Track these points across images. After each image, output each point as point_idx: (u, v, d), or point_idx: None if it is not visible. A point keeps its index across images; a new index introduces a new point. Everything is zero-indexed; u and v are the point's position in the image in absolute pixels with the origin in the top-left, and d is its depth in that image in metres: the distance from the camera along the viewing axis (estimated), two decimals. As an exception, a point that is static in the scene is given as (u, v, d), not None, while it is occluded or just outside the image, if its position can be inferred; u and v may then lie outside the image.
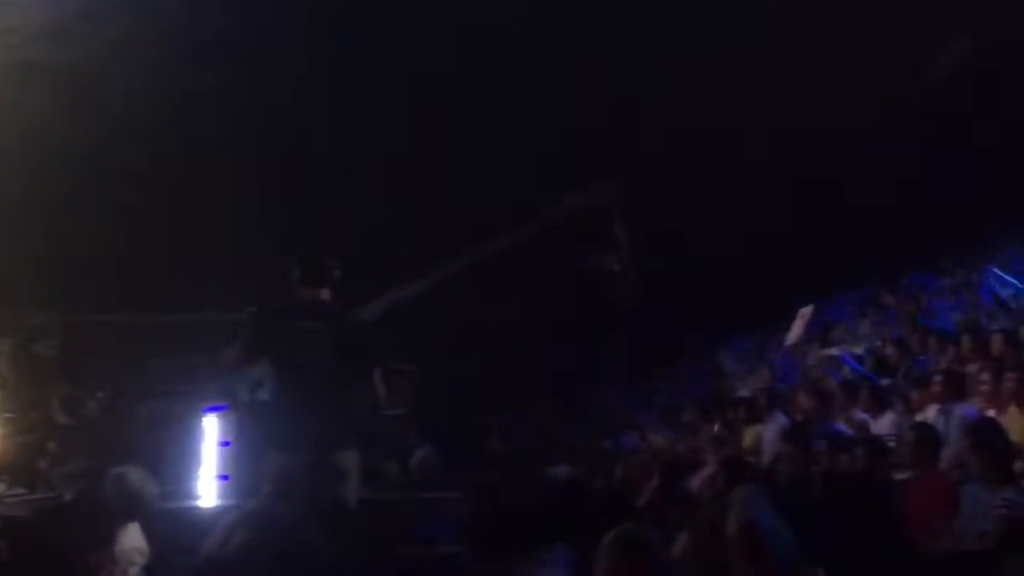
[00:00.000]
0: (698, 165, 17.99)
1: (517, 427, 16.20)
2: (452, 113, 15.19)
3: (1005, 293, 13.85)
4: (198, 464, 9.89)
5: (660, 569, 3.64)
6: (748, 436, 12.08)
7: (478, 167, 15.69)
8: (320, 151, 15.45)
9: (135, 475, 6.64)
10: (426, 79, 15.22)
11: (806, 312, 14.58)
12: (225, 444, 9.83)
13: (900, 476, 8.38)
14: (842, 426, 10.70)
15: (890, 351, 13.29)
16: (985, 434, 7.66)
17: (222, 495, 9.55)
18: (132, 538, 6.62)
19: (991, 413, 9.11)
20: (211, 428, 10.02)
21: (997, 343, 10.56)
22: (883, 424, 10.26)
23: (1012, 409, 8.84)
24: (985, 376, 9.39)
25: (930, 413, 9.73)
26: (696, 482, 10.71)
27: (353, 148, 15.36)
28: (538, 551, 3.93)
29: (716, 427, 12.82)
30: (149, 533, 6.69)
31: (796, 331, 14.82)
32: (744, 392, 14.38)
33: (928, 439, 8.24)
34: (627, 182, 11.20)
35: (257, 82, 14.42)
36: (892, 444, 9.22)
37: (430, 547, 6.70)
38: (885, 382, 11.62)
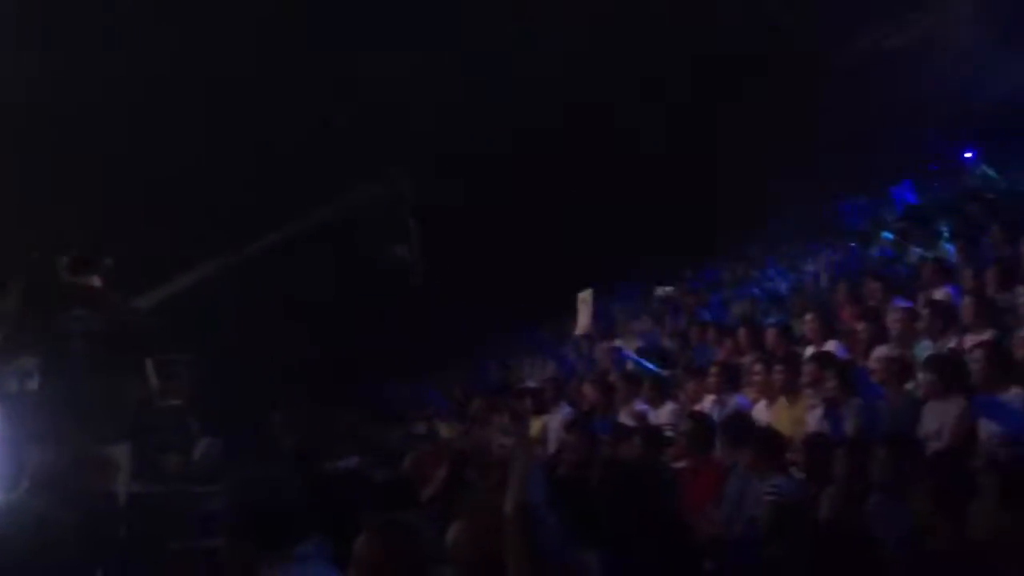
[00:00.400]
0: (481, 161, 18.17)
1: (304, 418, 15.98)
2: (239, 100, 14.87)
3: (781, 287, 14.40)
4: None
5: (420, 556, 3.63)
6: (535, 426, 12.24)
7: (265, 156, 15.41)
8: (101, 142, 14.90)
9: None
10: (211, 65, 14.85)
11: (586, 296, 14.79)
12: (-11, 437, 9.35)
13: (678, 465, 8.61)
14: (624, 416, 10.95)
15: (670, 343, 13.65)
16: (736, 429, 7.97)
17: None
18: None
19: (762, 404, 9.44)
20: (-25, 420, 9.51)
21: (771, 336, 10.94)
22: (663, 414, 10.51)
23: (781, 400, 9.17)
24: (758, 367, 9.71)
25: (706, 403, 10.04)
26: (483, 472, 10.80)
27: (137, 138, 14.89)
28: (296, 545, 3.85)
29: (504, 418, 12.93)
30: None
31: (584, 319, 15.04)
32: (532, 383, 14.53)
33: (702, 429, 8.49)
34: (420, 173, 11.18)
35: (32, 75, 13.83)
36: (671, 434, 9.44)
37: (203, 542, 6.55)
38: (666, 374, 11.90)
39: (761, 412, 9.41)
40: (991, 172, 17.18)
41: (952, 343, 8.86)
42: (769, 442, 7.67)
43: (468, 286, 18.36)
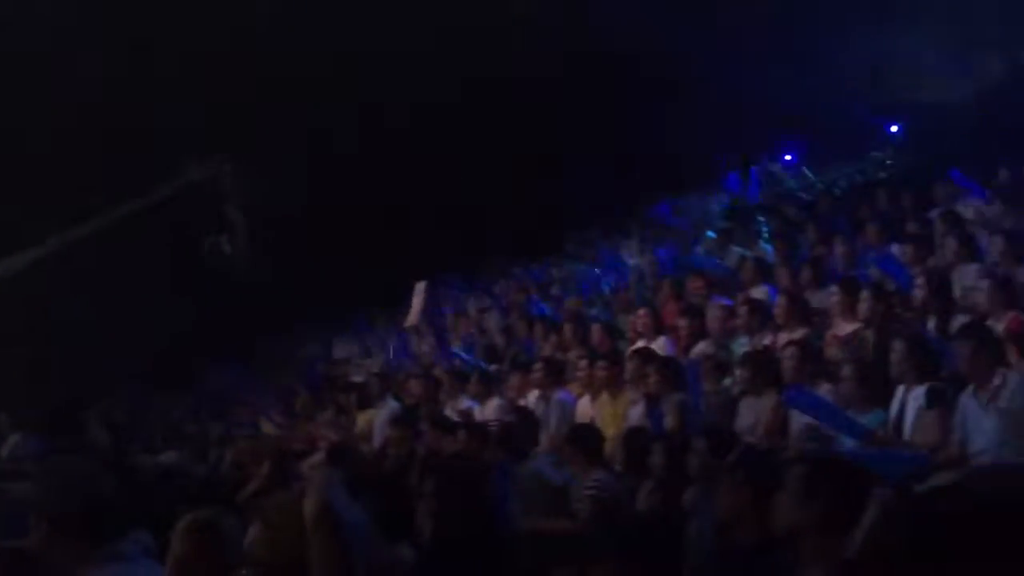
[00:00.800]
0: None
1: (123, 412, 15.57)
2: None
3: (605, 285, 14.58)
4: None
5: (227, 555, 3.57)
6: (361, 421, 12.18)
7: (77, 141, 15.01)
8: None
9: None
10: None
11: (421, 288, 14.74)
12: None
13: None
14: (450, 412, 10.94)
15: (498, 338, 13.71)
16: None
17: None
18: None
19: (586, 399, 9.55)
20: None
21: (596, 332, 11.08)
22: (489, 410, 10.54)
23: (604, 395, 9.29)
24: (582, 363, 9.81)
25: (531, 399, 10.11)
26: (306, 468, 10.67)
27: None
28: (114, 542, 3.75)
29: (329, 412, 12.84)
30: None
31: (415, 310, 14.98)
32: (358, 377, 14.44)
33: (527, 423, 8.55)
34: (241, 161, 10.97)
35: None
36: (495, 429, 9.45)
37: (11, 540, 6.28)
38: (493, 368, 11.95)
39: (585, 407, 9.53)
40: (809, 174, 17.78)
41: (767, 340, 9.11)
42: (588, 438, 7.77)
43: (295, 279, 18.24)
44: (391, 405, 11.77)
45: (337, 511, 3.25)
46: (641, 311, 10.89)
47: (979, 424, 6.55)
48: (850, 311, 8.82)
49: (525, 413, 9.14)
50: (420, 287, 14.47)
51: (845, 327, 8.80)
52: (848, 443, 6.85)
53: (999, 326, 7.66)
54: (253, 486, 9.93)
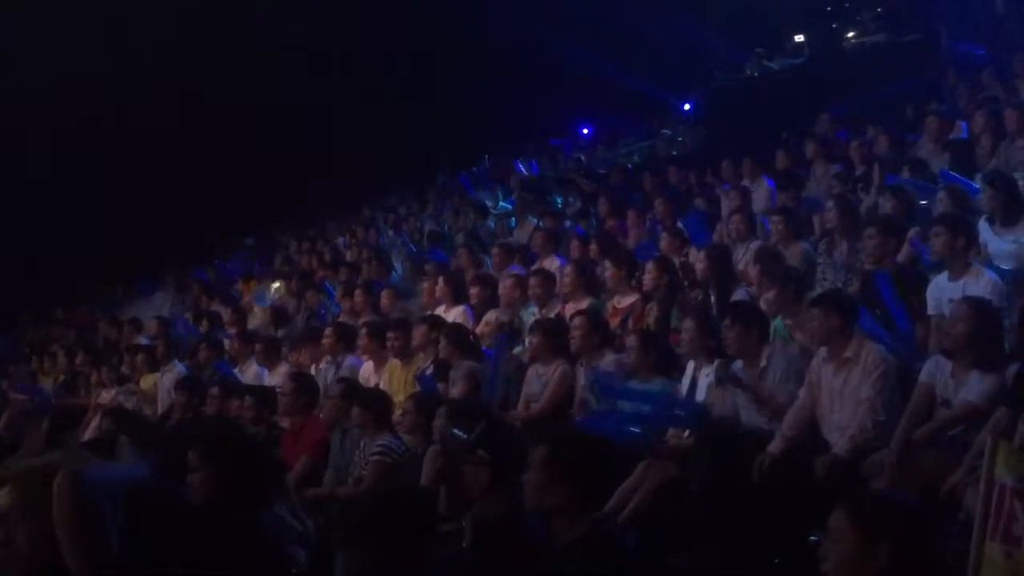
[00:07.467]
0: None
1: None
2: None
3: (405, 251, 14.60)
4: None
5: None
6: (146, 383, 11.91)
7: None
8: None
9: None
10: None
11: None
12: None
13: (284, 423, 8.55)
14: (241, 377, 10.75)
15: (290, 304, 13.56)
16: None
17: None
18: None
19: (369, 364, 9.49)
20: None
21: (386, 298, 11.06)
22: (277, 375, 10.38)
23: (394, 361, 9.24)
24: (371, 329, 9.72)
25: (323, 364, 10.01)
26: (86, 432, 10.36)
27: None
28: None
29: (104, 374, 12.57)
30: None
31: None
32: (145, 340, 14.06)
33: (305, 388, 8.46)
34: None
35: None
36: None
37: None
38: (282, 334, 11.81)
39: (368, 372, 9.46)
40: (602, 149, 18.13)
41: (557, 310, 9.18)
42: (377, 402, 7.74)
43: (76, 239, 17.77)
44: (179, 368, 11.51)
45: (85, 480, 3.16)
46: (441, 278, 10.77)
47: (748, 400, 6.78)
48: (630, 283, 9.01)
49: (302, 378, 8.97)
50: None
51: (626, 299, 8.96)
52: (628, 407, 6.99)
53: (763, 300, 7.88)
54: (28, 447, 9.58)
